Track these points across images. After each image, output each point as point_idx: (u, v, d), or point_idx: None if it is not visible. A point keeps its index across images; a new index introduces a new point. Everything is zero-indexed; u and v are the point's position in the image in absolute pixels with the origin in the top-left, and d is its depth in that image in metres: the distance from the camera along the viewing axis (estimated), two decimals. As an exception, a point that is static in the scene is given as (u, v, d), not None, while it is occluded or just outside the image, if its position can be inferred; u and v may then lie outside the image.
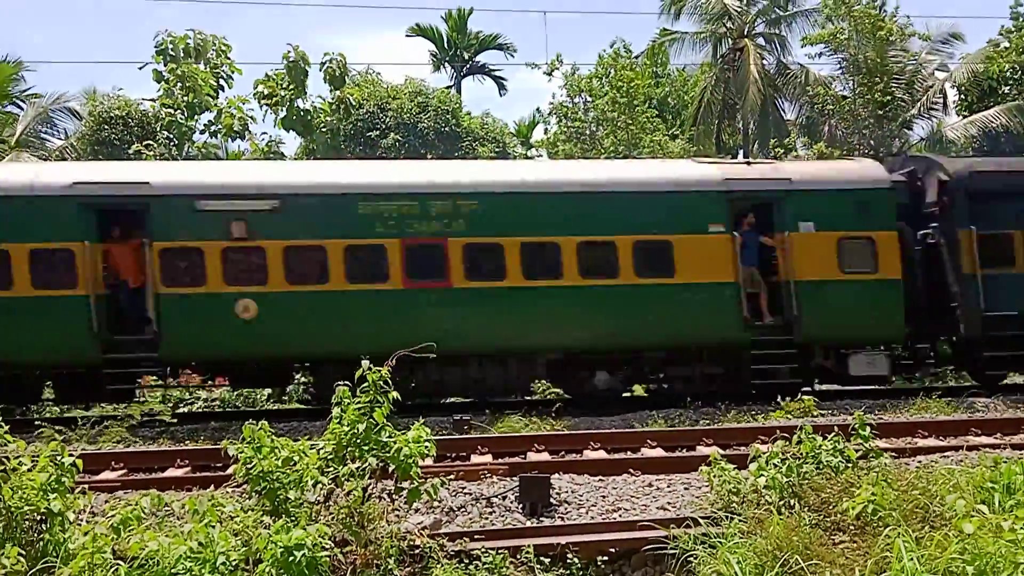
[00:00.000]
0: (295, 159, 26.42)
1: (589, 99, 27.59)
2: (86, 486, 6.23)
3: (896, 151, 23.67)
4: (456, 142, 26.50)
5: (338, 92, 25.12)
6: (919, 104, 25.83)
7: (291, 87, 23.66)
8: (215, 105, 23.27)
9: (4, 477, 5.42)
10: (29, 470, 5.54)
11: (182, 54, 22.42)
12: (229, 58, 23.54)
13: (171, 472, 8.94)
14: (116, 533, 5.35)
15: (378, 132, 25.59)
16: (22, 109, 26.59)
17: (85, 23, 79.18)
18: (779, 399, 11.86)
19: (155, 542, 5.05)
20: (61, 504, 5.40)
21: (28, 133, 25.34)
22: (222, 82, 23.47)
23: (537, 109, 41.64)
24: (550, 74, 27.70)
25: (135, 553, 5.06)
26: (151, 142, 21.30)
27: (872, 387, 14.68)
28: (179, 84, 22.28)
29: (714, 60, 29.27)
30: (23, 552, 5.15)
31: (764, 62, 28.06)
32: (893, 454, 7.90)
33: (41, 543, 5.33)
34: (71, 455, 5.76)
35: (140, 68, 23.46)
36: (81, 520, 5.83)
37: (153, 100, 23.28)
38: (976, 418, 10.74)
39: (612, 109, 26.39)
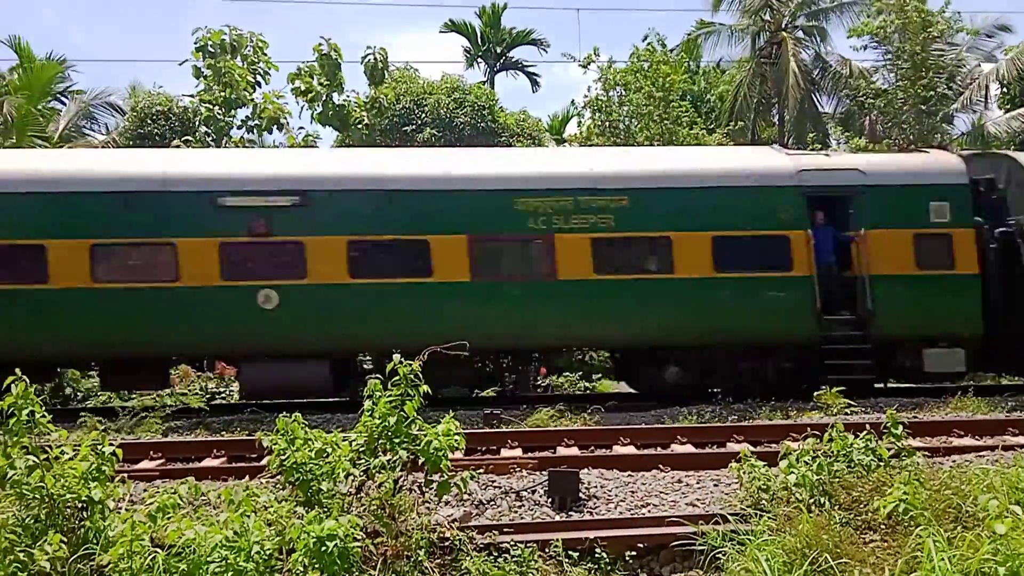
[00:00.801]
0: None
1: (624, 93, 27.45)
2: (125, 475, 6.36)
3: (937, 145, 23.27)
4: (492, 138, 26.53)
5: (372, 91, 25.29)
6: (962, 98, 25.37)
7: (325, 81, 23.88)
8: (251, 100, 23.58)
9: (47, 465, 5.57)
10: (71, 459, 5.69)
11: (219, 50, 22.75)
12: (266, 54, 23.84)
13: (208, 462, 9.13)
14: (153, 521, 5.48)
15: (414, 127, 25.73)
16: (64, 105, 27.18)
17: (126, 21, 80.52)
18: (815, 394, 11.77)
19: (192, 530, 5.16)
20: (102, 492, 5.53)
21: (70, 128, 25.88)
22: (259, 78, 23.76)
23: (572, 102, 41.49)
24: (586, 67, 27.64)
25: (172, 541, 5.18)
26: (190, 137, 21.64)
27: (907, 384, 14.50)
28: (217, 80, 22.61)
29: (752, 54, 29.01)
30: (64, 539, 5.29)
31: (802, 55, 27.75)
32: (926, 453, 7.81)
33: (82, 530, 5.47)
34: (111, 444, 5.90)
35: (180, 64, 23.88)
36: (121, 508, 5.98)
37: (192, 96, 23.67)
38: (1013, 418, 10.55)
39: (647, 103, 26.26)
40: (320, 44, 23.64)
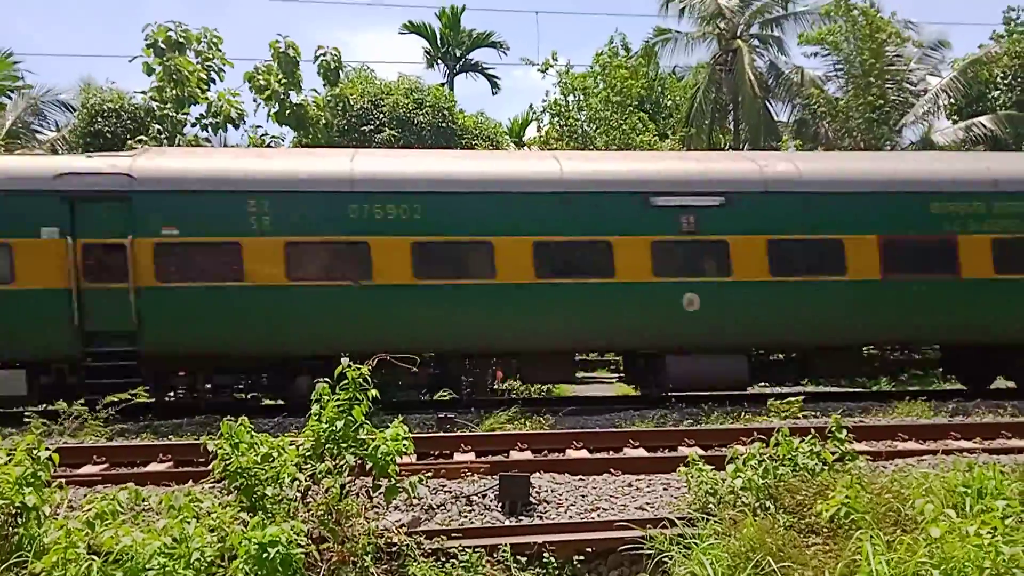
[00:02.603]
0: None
1: (582, 97, 27.60)
2: (63, 480, 6.21)
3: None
4: (451, 139, 26.48)
5: (336, 89, 25.03)
6: (914, 110, 25.95)
7: (282, 80, 23.59)
8: (205, 98, 23.20)
9: (-21, 471, 5.42)
10: (5, 464, 5.53)
11: (168, 47, 22.33)
12: (220, 50, 23.45)
13: (153, 467, 8.95)
14: (91, 528, 5.35)
15: (373, 127, 25.57)
16: (10, 99, 26.47)
17: (77, 14, 78.80)
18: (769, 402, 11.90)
19: (129, 537, 5.05)
20: (36, 498, 5.40)
21: (18, 125, 25.23)
22: (213, 75, 23.37)
23: (530, 106, 41.62)
24: (544, 71, 27.74)
25: (109, 548, 5.05)
26: (142, 136, 21.22)
27: (859, 390, 14.77)
28: (168, 77, 22.19)
29: (708, 61, 29.37)
30: (-4, 546, 5.15)
31: (757, 63, 28.15)
32: (870, 457, 7.96)
33: (15, 537, 5.33)
34: (48, 449, 5.76)
35: (130, 61, 23.39)
36: (58, 514, 5.84)
37: (144, 92, 23.21)
38: (956, 422, 10.80)
39: (605, 108, 26.42)
40: (277, 41, 23.35)
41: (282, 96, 23.79)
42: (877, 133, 24.90)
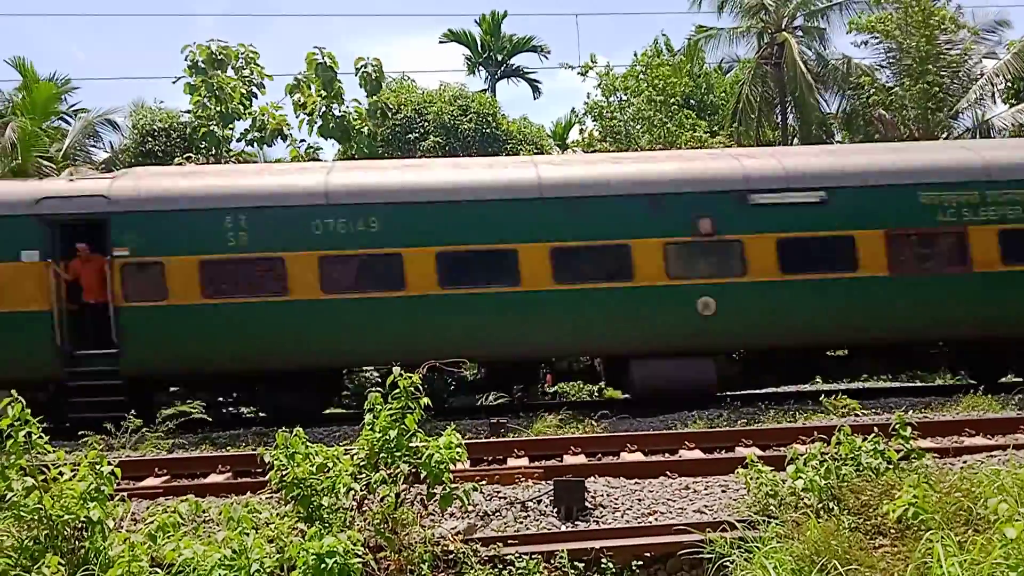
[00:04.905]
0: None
1: (624, 97, 27.45)
2: (126, 494, 6.33)
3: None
4: (496, 144, 26.58)
5: (374, 98, 25.27)
6: (969, 93, 25.23)
7: (323, 93, 23.83)
8: (248, 113, 23.58)
9: (45, 487, 5.53)
10: (70, 479, 5.65)
11: (208, 65, 22.74)
12: (258, 64, 23.81)
13: (212, 478, 9.08)
14: (153, 540, 5.43)
15: (417, 135, 25.80)
16: (70, 125, 27.30)
17: (126, 39, 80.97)
18: (821, 398, 11.66)
19: (190, 550, 5.11)
20: (100, 512, 5.49)
21: (75, 146, 25.98)
22: (254, 89, 23.73)
23: (572, 110, 41.52)
24: (584, 74, 27.68)
25: (171, 560, 5.13)
26: (191, 154, 21.68)
27: (918, 384, 14.37)
28: (210, 94, 22.61)
29: (753, 55, 28.94)
30: (63, 561, 5.25)
31: (804, 55, 27.65)
32: (936, 455, 7.69)
33: (82, 551, 5.44)
34: (110, 463, 5.86)
35: (174, 82, 23.87)
36: (121, 527, 5.94)
37: (190, 112, 23.69)
38: (1025, 416, 10.42)
39: (648, 108, 26.23)
40: (314, 53, 23.58)
41: (323, 109, 24.07)
42: (933, 121, 24.26)
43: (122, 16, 63.81)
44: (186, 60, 22.69)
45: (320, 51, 23.67)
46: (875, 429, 7.10)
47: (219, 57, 22.83)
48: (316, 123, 23.84)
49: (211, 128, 22.36)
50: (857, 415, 10.81)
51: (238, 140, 23.63)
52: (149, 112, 24.63)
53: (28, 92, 24.87)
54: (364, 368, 13.77)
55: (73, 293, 12.57)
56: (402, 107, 26.19)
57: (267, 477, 6.43)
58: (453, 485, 6.16)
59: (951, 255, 13.11)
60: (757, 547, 5.87)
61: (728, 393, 13.45)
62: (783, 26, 28.14)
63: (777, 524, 6.14)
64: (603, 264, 12.82)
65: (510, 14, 35.81)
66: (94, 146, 27.22)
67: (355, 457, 6.33)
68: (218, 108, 22.47)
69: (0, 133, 22.89)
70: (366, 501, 6.29)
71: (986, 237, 13.00)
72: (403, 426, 6.13)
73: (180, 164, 21.14)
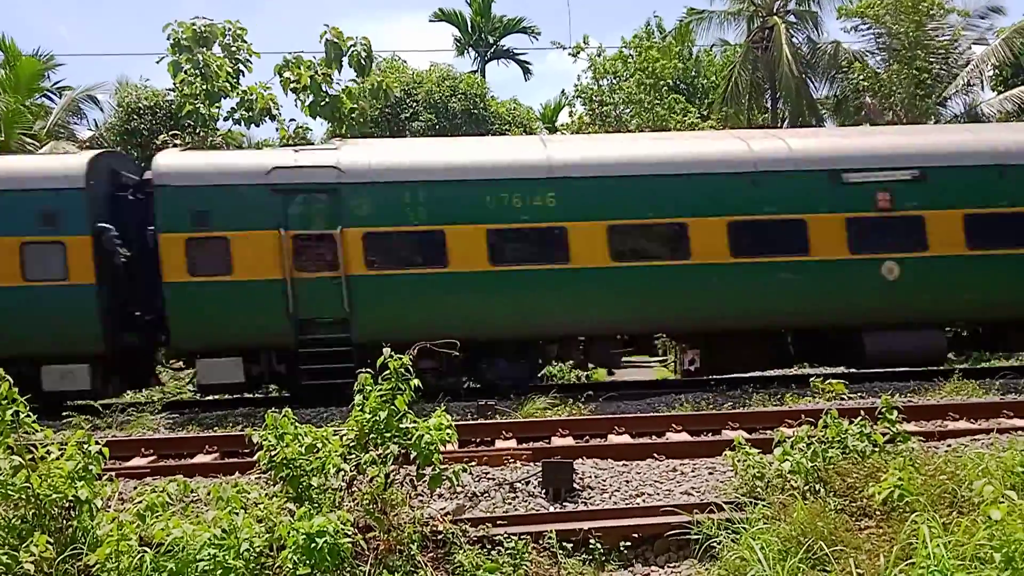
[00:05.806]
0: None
1: (614, 80, 27.34)
2: (113, 473, 6.30)
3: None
4: (484, 125, 26.46)
5: (366, 79, 25.02)
6: (957, 80, 25.27)
7: (322, 72, 23.51)
8: (236, 91, 23.27)
9: (32, 466, 5.50)
10: (57, 458, 5.62)
11: (193, 43, 22.39)
12: (246, 41, 23.47)
13: (200, 458, 9.07)
14: (142, 520, 5.42)
15: (408, 115, 25.66)
16: (54, 102, 26.95)
17: (110, 15, 79.91)
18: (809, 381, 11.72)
19: (180, 529, 5.10)
20: (88, 492, 5.47)
21: (58, 123, 25.67)
22: (241, 67, 23.40)
23: (562, 92, 41.36)
24: (576, 55, 27.52)
25: (160, 539, 5.11)
26: (177, 132, 21.44)
27: (902, 369, 14.46)
28: (196, 72, 22.29)
29: (744, 38, 28.88)
30: (51, 539, 5.23)
31: (795, 39, 27.62)
32: (921, 438, 7.76)
33: (69, 530, 5.42)
34: (98, 442, 5.83)
35: (157, 62, 23.45)
36: (109, 507, 5.92)
37: (174, 89, 23.36)
38: (1008, 400, 10.52)
39: (638, 91, 26.14)
40: (325, 31, 23.28)
41: (316, 88, 23.76)
42: (921, 107, 24.32)
43: (106, -8, 62.91)
44: (168, 39, 22.36)
45: (330, 29, 23.35)
46: (861, 412, 7.15)
47: (204, 34, 22.49)
48: (307, 101, 23.52)
49: (197, 107, 22.05)
50: (843, 399, 10.89)
51: (225, 119, 23.35)
52: (134, 90, 24.32)
53: (11, 68, 24.49)
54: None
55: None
56: (394, 85, 25.99)
57: (255, 457, 6.42)
58: (443, 466, 6.18)
59: None
60: (744, 528, 5.92)
61: (713, 377, 13.51)
62: (774, 10, 28.09)
63: (764, 506, 6.19)
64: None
65: (500, -6, 35.59)
66: (77, 123, 26.92)
67: (344, 438, 6.33)
68: (204, 86, 22.17)
69: (-17, 110, 22.57)
70: (356, 482, 6.28)
71: None
72: (393, 407, 6.12)
73: (164, 143, 20.92)
